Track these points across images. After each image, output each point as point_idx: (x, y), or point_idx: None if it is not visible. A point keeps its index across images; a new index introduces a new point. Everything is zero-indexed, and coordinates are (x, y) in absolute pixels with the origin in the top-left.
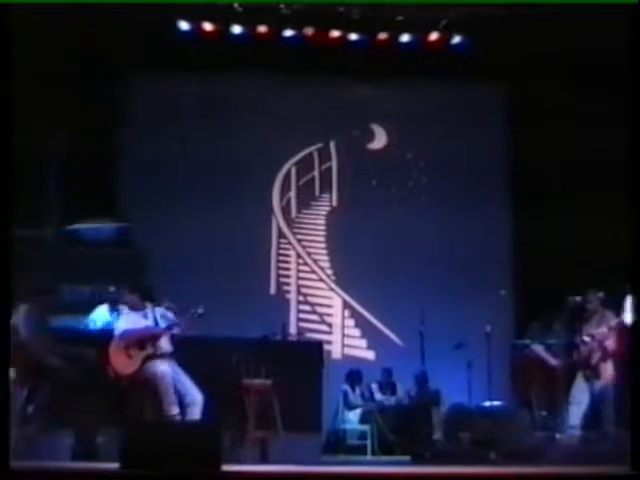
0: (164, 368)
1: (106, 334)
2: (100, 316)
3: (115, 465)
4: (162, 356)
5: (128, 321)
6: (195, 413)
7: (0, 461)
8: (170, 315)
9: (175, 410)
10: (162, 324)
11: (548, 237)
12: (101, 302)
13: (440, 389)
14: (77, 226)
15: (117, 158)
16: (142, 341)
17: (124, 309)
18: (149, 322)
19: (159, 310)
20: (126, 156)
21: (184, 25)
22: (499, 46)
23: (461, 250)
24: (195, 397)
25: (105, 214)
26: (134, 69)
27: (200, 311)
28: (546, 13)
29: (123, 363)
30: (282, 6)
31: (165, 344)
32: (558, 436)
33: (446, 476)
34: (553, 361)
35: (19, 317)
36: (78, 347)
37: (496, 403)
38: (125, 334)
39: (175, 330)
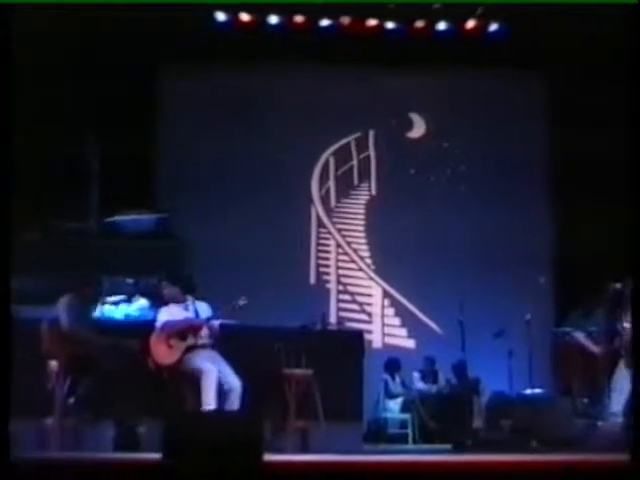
0: (204, 360)
1: (147, 325)
2: (141, 308)
3: (157, 455)
4: (203, 347)
5: (169, 312)
6: (233, 400)
7: (0, 454)
8: (209, 308)
9: (212, 402)
10: (203, 316)
11: (588, 223)
12: (142, 294)
13: (481, 377)
14: (118, 218)
15: (157, 151)
16: (183, 332)
17: (165, 301)
18: (190, 314)
19: (200, 302)
20: (165, 148)
21: (221, 16)
22: (537, 33)
23: (500, 238)
24: (232, 384)
25: (145, 206)
26: (171, 62)
27: (242, 302)
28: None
29: (164, 354)
30: None
31: (206, 335)
32: (600, 424)
33: (487, 464)
34: (594, 348)
35: (61, 308)
36: (119, 338)
37: (537, 391)
38: (166, 325)
39: (216, 322)
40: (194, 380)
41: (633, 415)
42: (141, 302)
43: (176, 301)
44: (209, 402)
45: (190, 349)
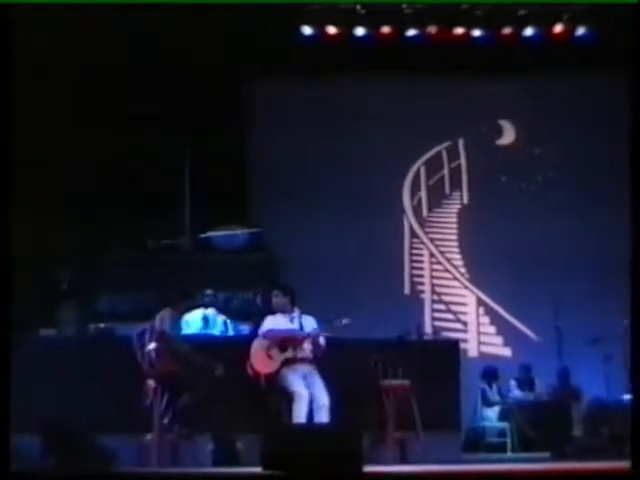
0: (298, 378)
1: (243, 339)
2: (238, 320)
3: (257, 470)
4: (302, 361)
5: (274, 322)
6: (321, 417)
7: (0, 464)
8: (315, 322)
9: (301, 418)
10: (306, 329)
11: None
12: (239, 308)
13: (578, 384)
14: (211, 234)
15: (246, 164)
16: (284, 343)
17: (273, 310)
18: (295, 326)
19: (306, 316)
20: (254, 161)
21: (307, 30)
22: (627, 35)
23: (594, 243)
24: (322, 401)
25: (238, 221)
26: (259, 74)
27: (345, 322)
28: None
29: (263, 362)
30: (405, 6)
31: (307, 349)
32: None
33: (587, 472)
34: None
35: (160, 323)
36: (215, 352)
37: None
38: (269, 333)
39: (318, 337)
40: (287, 397)
41: (633, 420)
42: (238, 315)
43: (283, 311)
44: (298, 411)
45: (288, 362)
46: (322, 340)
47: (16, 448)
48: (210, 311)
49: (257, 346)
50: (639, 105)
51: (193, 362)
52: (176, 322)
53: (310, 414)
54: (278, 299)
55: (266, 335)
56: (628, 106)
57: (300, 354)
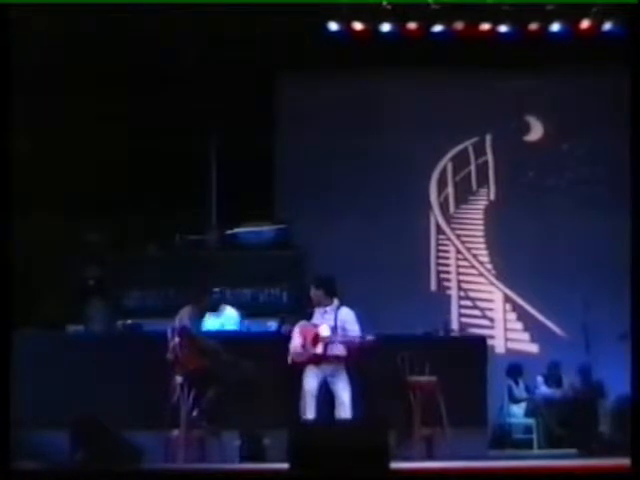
0: (314, 377)
1: (269, 335)
2: (264, 317)
3: (284, 466)
4: (328, 358)
5: (316, 315)
6: (341, 414)
7: (0, 461)
8: (351, 313)
9: (306, 415)
10: (342, 322)
11: None
12: (263, 304)
13: (605, 380)
14: (238, 230)
15: (273, 160)
16: (316, 338)
17: (312, 304)
18: (329, 318)
19: (344, 308)
20: (281, 158)
21: (334, 26)
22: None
23: (622, 239)
24: (343, 399)
25: (265, 217)
26: (286, 70)
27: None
28: None
29: (297, 354)
30: (431, 2)
31: (338, 347)
32: None
33: (613, 468)
34: None
35: (185, 318)
36: (241, 348)
37: None
38: (303, 327)
39: (351, 336)
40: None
41: (633, 418)
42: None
43: (319, 304)
44: (306, 408)
45: (316, 357)
46: (357, 338)
47: (44, 444)
48: (227, 309)
49: (296, 338)
50: (639, 104)
51: (218, 357)
52: (197, 318)
53: (331, 411)
54: (312, 292)
55: (300, 328)
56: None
57: (330, 351)
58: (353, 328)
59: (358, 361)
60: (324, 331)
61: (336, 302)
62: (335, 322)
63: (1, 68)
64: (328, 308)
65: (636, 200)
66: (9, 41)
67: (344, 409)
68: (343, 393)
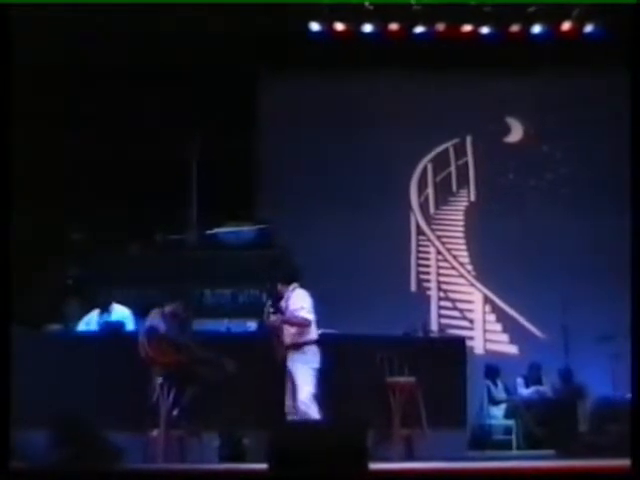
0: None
1: (248, 336)
2: (242, 318)
3: (263, 466)
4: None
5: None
6: (302, 410)
7: (0, 463)
8: (300, 296)
9: (288, 403)
10: (285, 304)
11: None
12: (243, 305)
13: (585, 382)
14: (218, 230)
15: (253, 161)
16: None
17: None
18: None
19: (296, 291)
20: (262, 158)
21: (315, 26)
22: (635, 32)
23: (603, 241)
24: (303, 393)
25: (245, 217)
26: (267, 71)
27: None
28: None
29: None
30: (413, 3)
31: (291, 332)
32: None
33: (592, 469)
34: None
35: (156, 318)
36: (220, 349)
37: None
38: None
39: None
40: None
41: (633, 419)
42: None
43: (284, 294)
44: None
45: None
46: (300, 317)
47: (22, 444)
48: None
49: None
50: (638, 104)
51: (193, 354)
52: (170, 319)
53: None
54: (278, 289)
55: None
56: (629, 105)
57: (283, 337)
58: (294, 307)
59: (337, 362)
60: (272, 316)
61: (292, 286)
62: (286, 303)
63: (1, 68)
64: (286, 295)
65: (636, 200)
66: (9, 41)
67: (298, 392)
68: (304, 385)
